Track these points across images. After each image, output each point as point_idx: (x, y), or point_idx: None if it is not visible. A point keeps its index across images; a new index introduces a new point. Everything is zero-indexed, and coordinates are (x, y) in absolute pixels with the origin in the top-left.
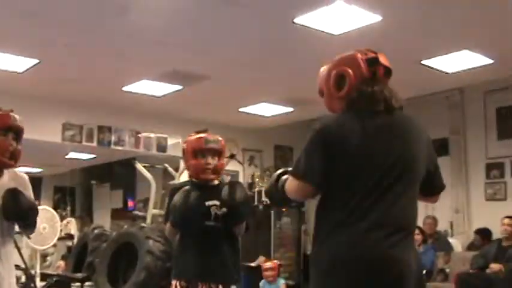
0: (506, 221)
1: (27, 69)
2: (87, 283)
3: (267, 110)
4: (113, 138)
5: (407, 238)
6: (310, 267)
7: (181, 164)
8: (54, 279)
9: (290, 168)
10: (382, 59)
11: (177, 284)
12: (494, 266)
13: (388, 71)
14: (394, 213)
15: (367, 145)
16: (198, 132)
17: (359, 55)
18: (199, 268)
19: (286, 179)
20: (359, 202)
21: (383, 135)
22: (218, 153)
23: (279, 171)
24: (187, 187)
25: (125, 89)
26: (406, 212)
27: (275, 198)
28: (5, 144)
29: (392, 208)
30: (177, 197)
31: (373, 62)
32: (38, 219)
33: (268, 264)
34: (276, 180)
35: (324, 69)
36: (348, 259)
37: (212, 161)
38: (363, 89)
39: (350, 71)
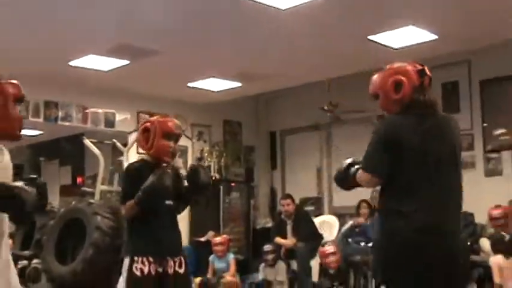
0: None
1: None
2: (34, 260)
3: (216, 85)
4: (60, 113)
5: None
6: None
7: (130, 139)
8: None
9: (358, 160)
10: (427, 71)
11: (144, 260)
12: None
13: (430, 80)
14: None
15: (424, 142)
16: (162, 117)
17: (411, 67)
18: (164, 244)
19: (356, 170)
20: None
21: (435, 134)
22: (178, 139)
23: (348, 161)
24: (160, 168)
25: (71, 63)
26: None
27: (344, 185)
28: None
29: (449, 192)
30: (151, 178)
31: (422, 73)
32: None
33: (218, 239)
34: (345, 169)
35: (378, 76)
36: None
37: (174, 146)
38: (416, 96)
39: (405, 79)
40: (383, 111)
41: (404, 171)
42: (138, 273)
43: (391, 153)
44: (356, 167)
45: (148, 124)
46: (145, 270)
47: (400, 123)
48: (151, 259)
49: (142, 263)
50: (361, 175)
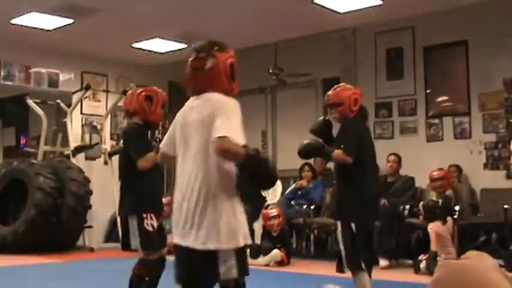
0: (392, 157)
1: None
2: None
3: (161, 46)
4: (2, 73)
5: None
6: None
7: (74, 100)
8: None
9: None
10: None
11: (152, 216)
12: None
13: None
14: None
15: (368, 136)
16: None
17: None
18: (160, 200)
19: (332, 150)
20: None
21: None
22: None
23: (318, 144)
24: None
25: (13, 21)
26: None
27: (310, 157)
28: None
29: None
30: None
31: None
32: None
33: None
34: (320, 148)
35: (341, 91)
36: None
37: None
38: (364, 109)
39: (360, 98)
40: (340, 114)
41: (361, 153)
42: (150, 229)
43: (358, 143)
44: (331, 148)
45: (151, 93)
46: (155, 225)
47: (359, 123)
48: (154, 214)
49: (151, 218)
50: (339, 155)
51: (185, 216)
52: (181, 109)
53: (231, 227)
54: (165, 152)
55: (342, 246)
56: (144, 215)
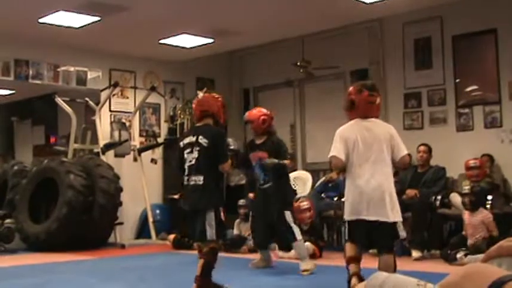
0: (422, 148)
1: None
2: (7, 220)
3: (188, 41)
4: (31, 72)
5: None
6: None
7: (102, 97)
8: None
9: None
10: None
11: (221, 209)
12: (410, 192)
13: None
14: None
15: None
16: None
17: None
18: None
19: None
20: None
21: None
22: None
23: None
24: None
25: (41, 20)
26: None
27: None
28: None
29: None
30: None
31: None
32: None
33: None
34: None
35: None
36: None
37: None
38: None
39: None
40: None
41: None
42: (223, 220)
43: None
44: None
45: (223, 101)
46: (223, 218)
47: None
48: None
49: (222, 212)
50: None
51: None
52: (355, 128)
53: None
54: None
55: None
56: (221, 209)
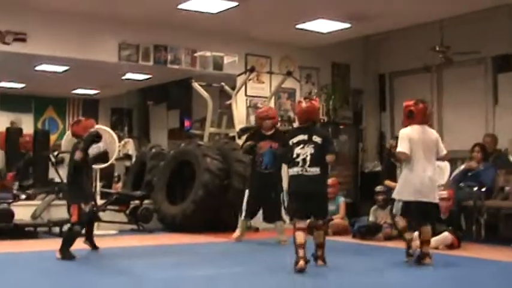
0: None
1: None
2: (146, 201)
3: (324, 26)
4: (169, 57)
5: None
6: None
7: (238, 82)
8: (114, 197)
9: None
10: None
11: None
12: None
13: None
14: None
15: None
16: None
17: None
18: None
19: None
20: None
21: None
22: None
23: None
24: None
25: (180, 6)
26: None
27: None
28: None
29: None
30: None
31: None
32: None
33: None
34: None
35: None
36: None
37: None
38: None
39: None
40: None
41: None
42: None
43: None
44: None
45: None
46: None
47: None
48: None
49: None
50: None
51: None
52: (415, 132)
53: None
54: None
55: None
56: None
